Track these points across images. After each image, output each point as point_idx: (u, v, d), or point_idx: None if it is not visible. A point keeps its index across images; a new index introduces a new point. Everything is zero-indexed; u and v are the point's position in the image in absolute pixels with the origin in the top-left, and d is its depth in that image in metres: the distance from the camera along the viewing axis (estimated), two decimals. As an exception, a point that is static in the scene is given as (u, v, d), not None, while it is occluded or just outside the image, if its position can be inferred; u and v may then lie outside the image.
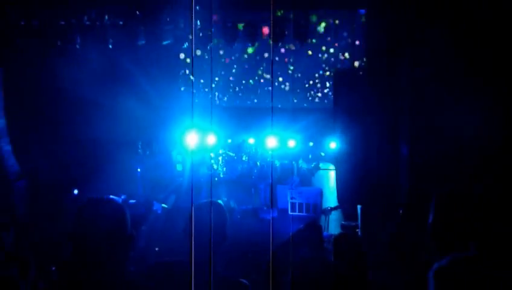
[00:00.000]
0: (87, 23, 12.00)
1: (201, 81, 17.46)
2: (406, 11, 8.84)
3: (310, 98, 17.50)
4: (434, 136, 8.57)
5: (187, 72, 16.95)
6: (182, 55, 16.31)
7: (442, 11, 8.23)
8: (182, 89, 16.39)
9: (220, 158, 14.89)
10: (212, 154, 14.74)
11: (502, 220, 3.44)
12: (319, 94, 17.43)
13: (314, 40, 16.32)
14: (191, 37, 13.01)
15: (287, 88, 17.50)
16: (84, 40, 12.23)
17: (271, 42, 14.42)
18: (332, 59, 16.82)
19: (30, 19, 11.64)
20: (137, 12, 11.98)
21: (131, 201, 12.48)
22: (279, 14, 11.72)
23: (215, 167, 14.78)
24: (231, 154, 15.12)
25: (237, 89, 17.98)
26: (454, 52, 8.07)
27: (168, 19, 12.33)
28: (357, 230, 10.81)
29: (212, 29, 12.58)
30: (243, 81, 17.90)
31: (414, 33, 8.77)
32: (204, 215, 3.51)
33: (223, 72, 17.62)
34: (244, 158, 15.08)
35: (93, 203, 3.05)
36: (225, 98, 18.08)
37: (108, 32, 12.46)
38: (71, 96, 12.83)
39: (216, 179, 14.39)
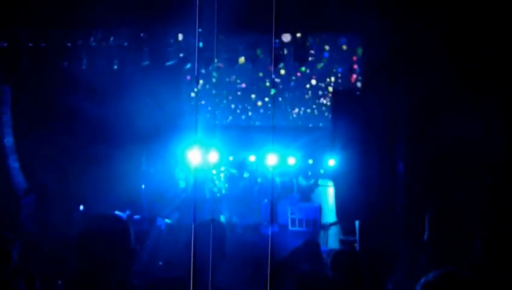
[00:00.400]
0: (93, 44, 12.20)
1: (203, 102, 17.62)
2: (403, 32, 9.05)
3: (309, 117, 17.64)
4: (430, 154, 8.75)
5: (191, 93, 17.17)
6: (187, 76, 16.57)
7: (437, 28, 8.43)
8: (189, 102, 16.59)
9: (222, 175, 15.03)
10: (214, 171, 14.90)
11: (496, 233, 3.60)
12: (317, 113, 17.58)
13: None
14: (194, 58, 13.18)
15: (288, 107, 17.66)
16: (90, 61, 12.44)
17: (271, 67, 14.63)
18: (332, 78, 16.97)
19: (37, 40, 11.86)
20: (142, 34, 12.18)
21: (136, 217, 12.64)
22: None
23: (217, 183, 14.92)
24: (233, 171, 15.25)
25: (239, 107, 18.12)
26: (449, 71, 8.27)
27: (171, 40, 12.53)
28: (355, 245, 10.96)
29: (214, 51, 12.77)
30: (244, 101, 18.03)
31: (410, 54, 8.99)
32: (205, 232, 3.69)
33: (225, 92, 17.77)
34: (245, 175, 15.21)
35: (98, 219, 3.20)
36: (230, 117, 18.21)
37: (113, 53, 12.67)
38: (77, 115, 13.02)
39: (218, 195, 14.53)
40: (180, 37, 12.42)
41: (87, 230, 3.17)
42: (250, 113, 18.04)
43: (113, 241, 3.09)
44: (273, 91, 17.36)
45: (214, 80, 16.84)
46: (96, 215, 3.26)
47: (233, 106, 18.23)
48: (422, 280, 3.05)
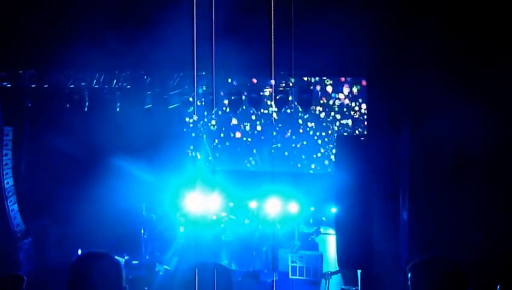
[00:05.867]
0: (96, 86, 12.24)
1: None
2: (405, 79, 9.05)
3: (312, 163, 17.56)
4: (434, 202, 8.67)
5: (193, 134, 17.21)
6: (187, 119, 16.62)
7: (443, 70, 8.45)
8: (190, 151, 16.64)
9: (223, 221, 14.90)
10: (214, 217, 14.78)
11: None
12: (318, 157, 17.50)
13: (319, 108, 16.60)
14: (195, 101, 13.23)
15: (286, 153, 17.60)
16: (93, 103, 12.46)
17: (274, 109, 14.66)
18: (337, 124, 16.99)
19: (40, 81, 11.90)
20: (145, 76, 12.22)
21: (134, 262, 12.50)
22: (291, 81, 11.93)
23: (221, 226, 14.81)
24: (233, 217, 15.12)
25: (240, 151, 18.05)
26: (456, 116, 8.25)
27: (174, 84, 12.56)
28: (357, 295, 10.79)
29: (216, 94, 12.83)
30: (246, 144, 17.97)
31: (413, 100, 8.96)
32: (209, 275, 3.59)
33: (231, 135, 17.74)
34: (246, 221, 15.06)
35: (89, 257, 3.22)
36: (231, 162, 18.11)
37: (116, 95, 12.71)
38: (76, 156, 13.01)
39: (218, 241, 14.38)
40: (183, 80, 12.45)
41: (79, 267, 3.18)
42: (251, 158, 17.94)
43: (105, 279, 3.11)
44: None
45: (214, 122, 16.89)
46: (87, 253, 3.22)
47: (238, 149, 18.14)
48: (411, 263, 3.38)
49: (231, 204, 15.64)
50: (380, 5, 8.68)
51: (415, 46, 8.64)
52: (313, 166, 17.48)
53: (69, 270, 3.16)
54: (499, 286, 5.88)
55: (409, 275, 3.38)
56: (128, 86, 12.43)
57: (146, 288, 11.46)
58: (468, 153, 8.36)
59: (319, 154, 17.41)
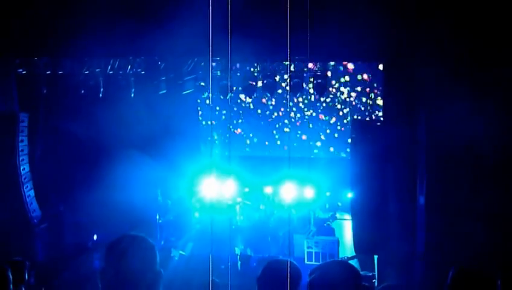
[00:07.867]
0: (110, 72, 12.24)
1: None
2: (423, 63, 8.96)
3: (326, 147, 17.50)
4: (452, 186, 8.61)
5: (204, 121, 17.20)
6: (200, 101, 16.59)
7: (460, 55, 8.37)
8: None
9: (238, 206, 14.87)
10: (229, 202, 14.78)
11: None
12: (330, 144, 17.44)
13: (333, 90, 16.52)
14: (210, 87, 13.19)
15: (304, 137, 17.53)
16: (107, 89, 12.46)
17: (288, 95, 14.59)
18: (353, 106, 16.91)
19: (56, 68, 11.92)
20: (159, 62, 12.20)
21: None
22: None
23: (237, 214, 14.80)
24: (248, 202, 15.09)
25: (255, 137, 18.02)
26: (470, 103, 8.17)
27: (189, 69, 12.53)
28: (374, 280, 10.74)
29: (231, 79, 12.76)
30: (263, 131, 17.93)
31: (430, 85, 8.88)
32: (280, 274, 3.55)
33: (241, 120, 17.70)
34: (261, 207, 15.04)
35: (124, 240, 3.13)
36: (247, 148, 18.09)
37: (130, 81, 12.69)
38: (91, 143, 13.02)
39: (233, 227, 14.37)
40: (197, 66, 12.41)
41: (113, 251, 3.11)
42: (267, 143, 17.89)
43: (140, 262, 3.05)
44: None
45: (234, 108, 16.84)
46: (122, 236, 3.17)
47: (251, 134, 18.10)
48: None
49: (246, 189, 15.62)
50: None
51: (432, 33, 8.56)
52: (331, 149, 17.45)
53: (104, 253, 3.11)
54: None
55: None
56: (143, 72, 12.42)
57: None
58: (485, 140, 8.30)
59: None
